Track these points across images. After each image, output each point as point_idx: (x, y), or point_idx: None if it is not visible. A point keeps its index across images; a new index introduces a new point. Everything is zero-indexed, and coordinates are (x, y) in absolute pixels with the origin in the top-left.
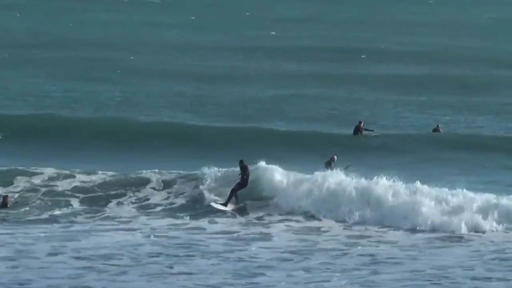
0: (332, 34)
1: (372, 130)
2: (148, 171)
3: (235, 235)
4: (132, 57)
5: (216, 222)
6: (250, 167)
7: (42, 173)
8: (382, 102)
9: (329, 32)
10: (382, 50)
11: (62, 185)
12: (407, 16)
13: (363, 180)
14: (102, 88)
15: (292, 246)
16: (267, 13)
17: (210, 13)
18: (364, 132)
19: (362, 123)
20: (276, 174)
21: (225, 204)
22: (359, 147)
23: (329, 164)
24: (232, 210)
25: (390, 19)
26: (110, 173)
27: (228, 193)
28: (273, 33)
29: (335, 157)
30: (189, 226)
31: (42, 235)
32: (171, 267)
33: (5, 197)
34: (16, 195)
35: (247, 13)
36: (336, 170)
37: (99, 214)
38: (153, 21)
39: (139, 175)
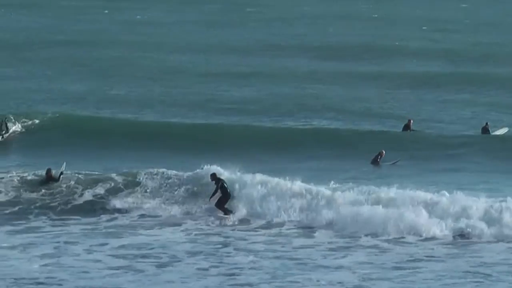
0: (368, 32)
1: (419, 130)
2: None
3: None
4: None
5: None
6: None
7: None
8: (422, 100)
9: (362, 29)
10: (415, 48)
11: (103, 185)
12: (439, 13)
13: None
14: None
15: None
16: (292, 9)
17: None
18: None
19: (412, 121)
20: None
21: (226, 214)
22: (409, 144)
23: (376, 160)
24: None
25: (423, 16)
26: (149, 170)
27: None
28: (301, 30)
29: (384, 152)
30: (231, 223)
31: (82, 231)
32: (211, 266)
33: (48, 170)
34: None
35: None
36: (384, 164)
37: (138, 212)
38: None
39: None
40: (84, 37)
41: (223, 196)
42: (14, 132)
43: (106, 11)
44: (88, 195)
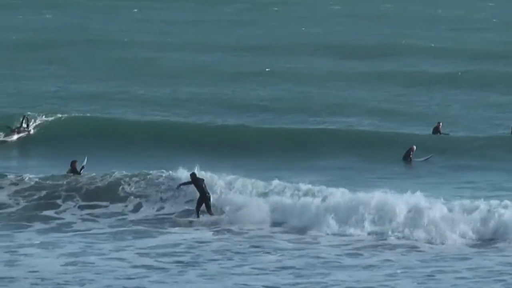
0: (394, 31)
1: (448, 134)
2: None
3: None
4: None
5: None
6: None
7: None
8: (450, 100)
9: (387, 28)
10: (441, 47)
11: (131, 184)
12: (466, 12)
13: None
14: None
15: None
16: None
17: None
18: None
19: (441, 124)
20: None
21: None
22: (440, 147)
23: (408, 156)
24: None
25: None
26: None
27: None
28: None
29: (414, 147)
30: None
31: (107, 231)
32: (238, 265)
33: (73, 162)
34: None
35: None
36: (415, 160)
37: (163, 212)
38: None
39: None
40: (108, 37)
41: (201, 197)
42: (35, 128)
43: (136, 10)
44: (121, 191)
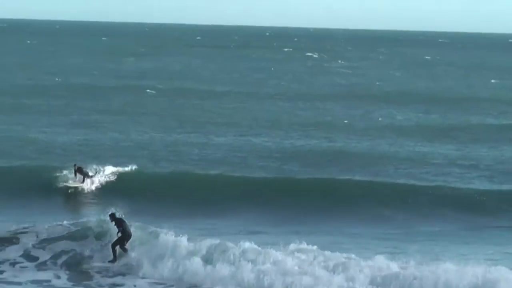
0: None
1: None
2: None
3: None
4: None
5: None
6: None
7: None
8: None
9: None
10: None
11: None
12: None
13: None
14: None
15: None
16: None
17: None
18: None
19: None
20: None
21: (113, 261)
22: None
23: None
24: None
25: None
26: None
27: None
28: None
29: None
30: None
31: None
32: None
33: (79, 168)
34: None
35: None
36: None
37: None
38: None
39: None
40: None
41: (123, 236)
42: (90, 179)
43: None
44: None
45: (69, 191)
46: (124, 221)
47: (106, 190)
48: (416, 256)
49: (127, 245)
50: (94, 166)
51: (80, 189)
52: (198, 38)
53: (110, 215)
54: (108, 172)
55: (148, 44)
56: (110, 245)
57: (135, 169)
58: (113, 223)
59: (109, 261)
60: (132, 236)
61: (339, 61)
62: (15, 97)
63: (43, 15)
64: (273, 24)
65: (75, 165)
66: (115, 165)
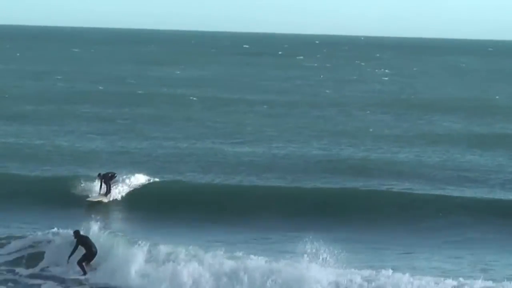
0: None
1: None
2: None
3: None
4: None
5: None
6: None
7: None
8: None
9: None
10: None
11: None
12: None
13: None
14: None
15: None
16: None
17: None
18: None
19: None
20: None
21: (84, 275)
22: None
23: None
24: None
25: None
26: None
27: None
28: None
29: None
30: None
31: None
32: None
33: (105, 175)
34: None
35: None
36: None
37: None
38: None
39: None
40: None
41: (89, 253)
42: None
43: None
44: None
45: (87, 203)
46: (88, 239)
47: (126, 200)
48: None
49: (93, 262)
50: (124, 176)
51: (102, 202)
52: (245, 46)
53: (74, 232)
54: (136, 182)
55: (206, 52)
56: (76, 263)
57: (167, 179)
58: (75, 240)
59: (81, 275)
60: (97, 254)
61: (384, 70)
62: (61, 103)
63: (94, 23)
64: (323, 32)
65: (99, 174)
66: (148, 173)
